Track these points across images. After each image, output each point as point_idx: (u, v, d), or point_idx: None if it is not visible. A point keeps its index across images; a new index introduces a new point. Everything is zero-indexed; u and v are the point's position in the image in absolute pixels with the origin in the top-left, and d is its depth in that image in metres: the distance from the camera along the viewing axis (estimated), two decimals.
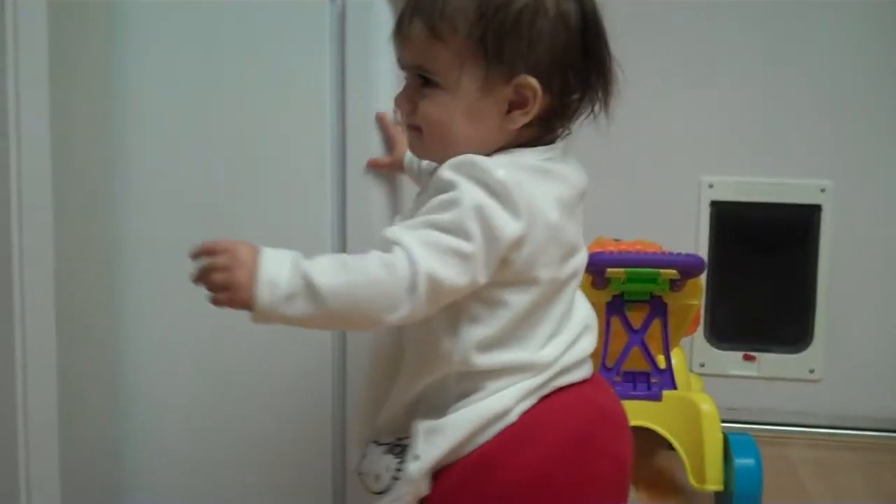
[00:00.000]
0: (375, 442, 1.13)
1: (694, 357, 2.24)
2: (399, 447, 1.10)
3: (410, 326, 1.08)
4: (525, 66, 1.07)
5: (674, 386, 1.77)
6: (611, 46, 1.15)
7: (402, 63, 1.12)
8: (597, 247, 1.91)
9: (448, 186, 1.02)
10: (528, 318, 1.08)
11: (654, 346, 1.77)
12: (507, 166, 1.04)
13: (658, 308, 1.77)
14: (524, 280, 1.06)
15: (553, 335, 1.10)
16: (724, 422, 1.74)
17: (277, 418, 1.44)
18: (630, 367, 1.77)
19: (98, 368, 1.41)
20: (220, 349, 1.43)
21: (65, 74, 1.26)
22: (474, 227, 1.00)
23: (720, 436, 1.71)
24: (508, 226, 1.01)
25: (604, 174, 2.25)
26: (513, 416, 1.07)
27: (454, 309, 1.06)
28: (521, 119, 1.08)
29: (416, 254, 0.99)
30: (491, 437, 1.06)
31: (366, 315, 1.00)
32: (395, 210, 1.41)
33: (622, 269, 1.72)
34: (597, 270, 1.73)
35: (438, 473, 1.07)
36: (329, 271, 0.98)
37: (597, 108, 1.16)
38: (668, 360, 1.78)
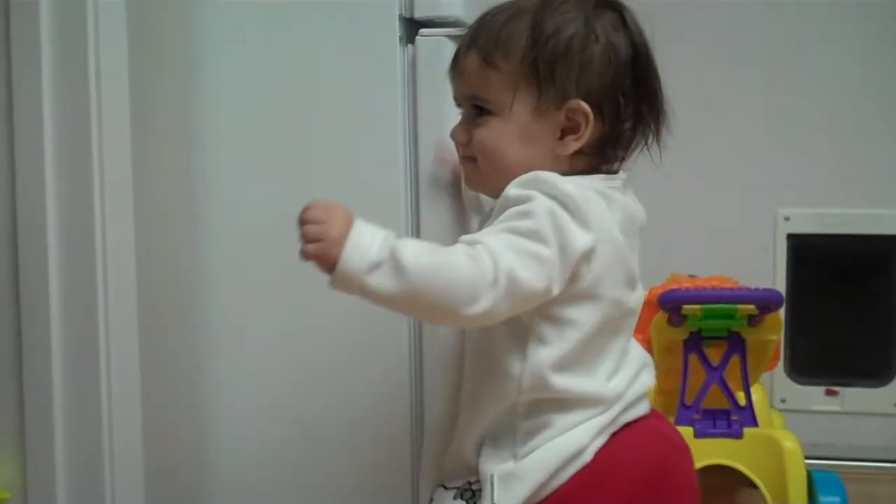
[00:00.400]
0: (443, 486, 1.13)
1: (774, 393, 2.20)
2: (469, 492, 1.09)
3: (475, 354, 1.08)
4: (577, 91, 1.09)
5: (755, 423, 1.74)
6: (660, 80, 1.17)
7: (458, 96, 1.15)
8: (672, 284, 1.89)
9: (519, 200, 1.04)
10: (594, 344, 1.08)
11: (734, 382, 1.75)
12: (573, 183, 1.05)
13: (736, 344, 1.74)
14: (590, 296, 1.06)
15: (617, 369, 1.10)
16: (806, 458, 1.71)
17: (355, 440, 1.45)
18: (709, 405, 1.74)
19: (180, 387, 1.43)
20: (299, 377, 1.44)
21: (146, 115, 1.30)
22: (550, 234, 1.01)
23: (804, 473, 1.68)
24: (579, 236, 1.02)
25: (678, 209, 2.26)
26: (587, 456, 1.06)
27: (521, 330, 1.06)
28: (573, 144, 1.10)
29: (497, 252, 0.99)
30: (567, 479, 1.06)
31: (446, 302, 0.98)
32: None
33: (699, 306, 1.70)
34: (673, 307, 1.71)
35: None
36: (417, 251, 0.98)
37: (650, 140, 1.18)
38: (748, 396, 1.75)
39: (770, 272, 2.21)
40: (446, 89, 1.39)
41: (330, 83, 1.42)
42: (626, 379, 1.11)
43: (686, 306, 1.70)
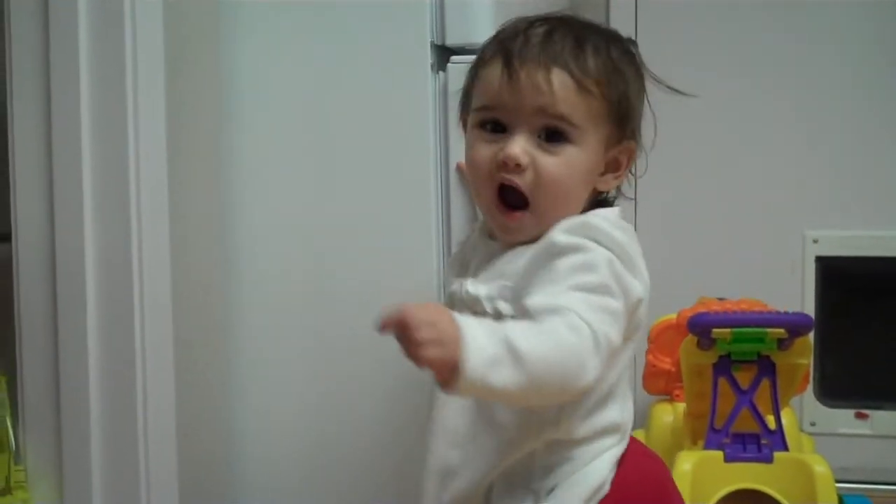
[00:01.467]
0: None
1: (804, 416, 2.19)
2: None
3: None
4: (631, 132, 1.11)
5: (785, 447, 1.73)
6: None
7: (528, 111, 1.05)
8: (700, 307, 1.89)
9: (573, 249, 1.01)
10: (622, 376, 1.10)
11: (763, 406, 1.74)
12: (619, 228, 1.05)
13: (766, 368, 1.74)
14: (630, 339, 1.07)
15: (628, 395, 1.12)
16: (837, 482, 1.70)
17: (378, 450, 1.46)
18: (739, 429, 1.74)
19: (213, 413, 1.44)
20: (325, 389, 1.46)
21: (181, 146, 1.31)
22: (615, 287, 1.00)
23: (835, 497, 1.66)
24: (635, 285, 1.03)
25: (706, 231, 2.25)
26: (608, 487, 1.07)
27: None
28: (613, 182, 1.11)
29: (588, 317, 0.95)
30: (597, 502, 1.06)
31: (561, 380, 0.94)
32: None
33: (728, 329, 1.70)
34: (702, 331, 1.71)
35: None
36: (527, 335, 0.93)
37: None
38: (778, 420, 1.74)
39: (799, 294, 2.20)
40: None
41: (363, 108, 1.44)
42: (630, 404, 1.12)
43: (716, 330, 1.70)
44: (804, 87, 2.20)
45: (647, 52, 2.21)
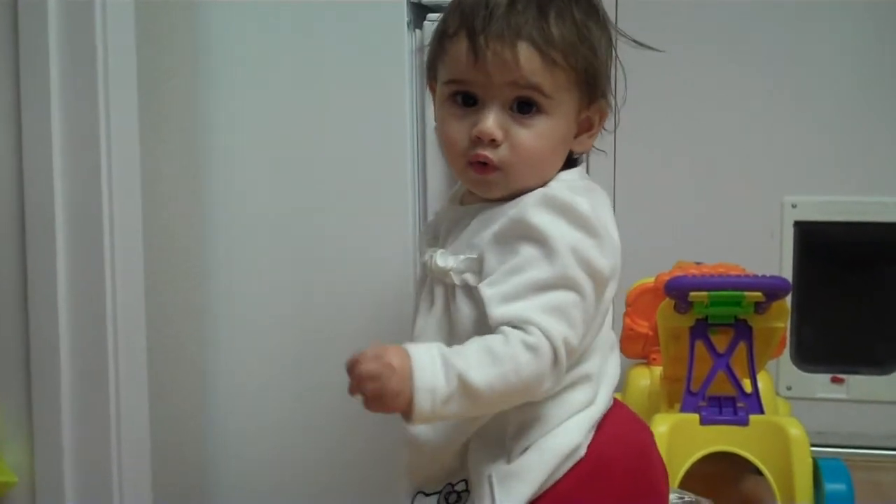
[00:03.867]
0: (422, 493, 1.11)
1: (780, 380, 2.20)
2: (454, 494, 1.08)
3: None
4: (601, 92, 1.11)
5: (761, 410, 1.74)
6: None
7: (499, 84, 1.06)
8: (678, 270, 1.89)
9: (537, 236, 1.01)
10: (600, 334, 1.10)
11: (740, 370, 1.75)
12: (579, 193, 1.05)
13: (743, 331, 1.74)
14: (602, 305, 1.08)
15: (608, 350, 1.11)
16: (812, 446, 1.71)
17: (363, 437, 1.45)
18: (715, 392, 1.74)
19: (187, 373, 1.43)
20: (306, 363, 1.45)
21: (154, 114, 1.30)
22: (579, 273, 1.00)
23: (810, 461, 1.68)
24: (604, 265, 1.03)
25: (684, 196, 2.25)
26: (583, 451, 1.06)
27: None
28: (588, 142, 1.12)
29: (548, 327, 0.98)
30: (563, 475, 1.05)
31: (520, 397, 1.01)
32: None
33: (705, 293, 1.70)
34: (679, 294, 1.71)
35: None
36: (480, 366, 0.97)
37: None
38: (754, 384, 1.75)
39: (776, 259, 2.20)
40: None
41: (339, 69, 1.43)
42: (616, 363, 1.13)
43: (693, 293, 1.70)
44: (782, 53, 2.19)
45: (628, 19, 2.22)
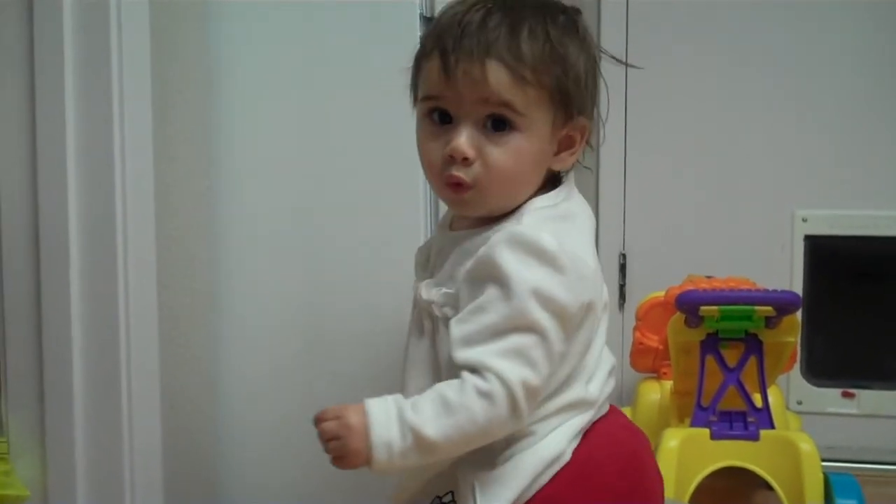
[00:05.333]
0: None
1: (791, 395, 2.19)
2: None
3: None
4: (577, 109, 1.09)
5: (771, 425, 1.73)
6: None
7: (470, 102, 1.06)
8: (689, 284, 1.89)
9: (498, 273, 1.01)
10: (582, 354, 1.09)
11: (750, 384, 1.74)
12: (544, 228, 1.03)
13: (753, 346, 1.74)
14: (582, 324, 1.07)
15: (595, 369, 1.11)
16: (823, 461, 1.70)
17: None
18: (726, 407, 1.74)
19: (198, 389, 1.44)
20: (316, 366, 1.45)
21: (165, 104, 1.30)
22: (539, 314, 1.00)
23: (821, 476, 1.67)
24: (567, 300, 1.02)
25: (695, 209, 2.25)
26: (567, 456, 1.06)
27: None
28: (569, 159, 1.09)
29: (505, 373, 0.99)
30: (548, 480, 1.05)
31: (477, 442, 1.02)
32: None
33: (716, 307, 1.70)
34: (690, 308, 1.71)
35: None
36: (435, 419, 0.99)
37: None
38: (764, 398, 1.75)
39: (787, 273, 2.20)
40: None
41: (352, 81, 1.43)
42: (601, 379, 1.12)
43: (703, 307, 1.70)
44: (794, 66, 2.20)
45: (640, 29, 2.22)
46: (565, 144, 1.09)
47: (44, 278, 1.21)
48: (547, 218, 1.06)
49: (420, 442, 0.99)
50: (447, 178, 1.07)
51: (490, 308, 1.01)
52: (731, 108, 2.23)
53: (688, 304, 1.70)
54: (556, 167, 1.10)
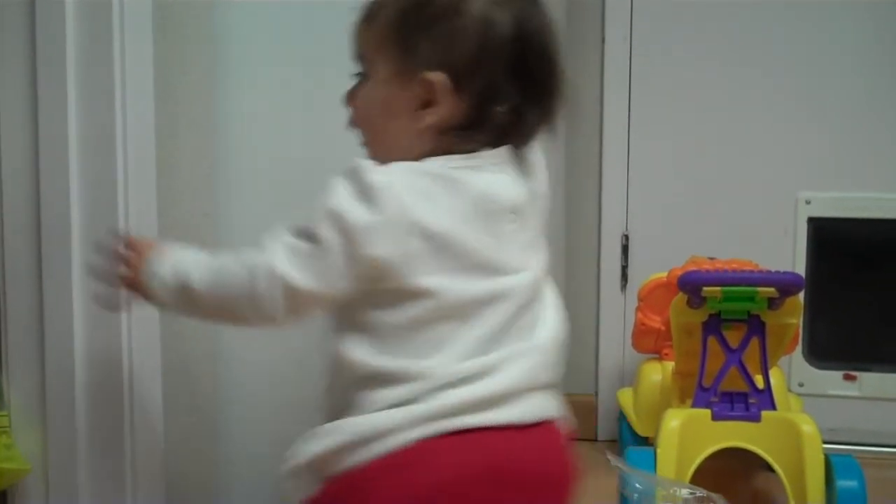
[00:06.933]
0: None
1: (792, 377, 2.19)
2: None
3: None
4: (438, 64, 1.02)
5: (773, 406, 1.73)
6: (558, 67, 1.07)
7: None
8: (691, 265, 1.89)
9: (324, 191, 1.01)
10: (424, 333, 1.01)
11: (752, 365, 1.74)
12: (392, 172, 1.00)
13: (756, 327, 1.74)
14: (407, 289, 1.00)
15: (465, 358, 1.01)
16: (824, 443, 1.70)
17: None
18: (727, 388, 1.74)
19: (200, 361, 1.43)
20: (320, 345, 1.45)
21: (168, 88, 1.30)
22: (328, 233, 0.98)
23: (822, 457, 1.67)
24: (362, 221, 0.98)
25: (698, 191, 2.25)
26: (389, 444, 0.98)
27: (343, 316, 1.03)
28: (427, 118, 1.02)
29: (275, 260, 1.00)
30: (364, 461, 0.99)
31: (225, 314, 1.06)
32: None
33: (719, 288, 1.70)
34: (692, 289, 1.70)
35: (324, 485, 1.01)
36: (205, 270, 1.05)
37: (543, 125, 1.08)
38: (766, 379, 1.75)
39: (790, 256, 2.20)
40: None
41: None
42: (474, 374, 1.00)
43: (706, 288, 1.70)
44: (796, 49, 2.19)
45: (644, 12, 2.22)
46: (428, 103, 1.03)
47: (45, 252, 1.20)
48: (410, 170, 1.01)
49: (183, 285, 1.04)
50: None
51: (305, 214, 1.03)
52: (734, 89, 2.23)
53: (690, 285, 1.70)
54: (416, 125, 1.03)
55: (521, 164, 1.08)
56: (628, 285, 2.28)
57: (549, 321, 1.09)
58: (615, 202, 2.29)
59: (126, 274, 1.09)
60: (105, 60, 1.18)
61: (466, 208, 1.02)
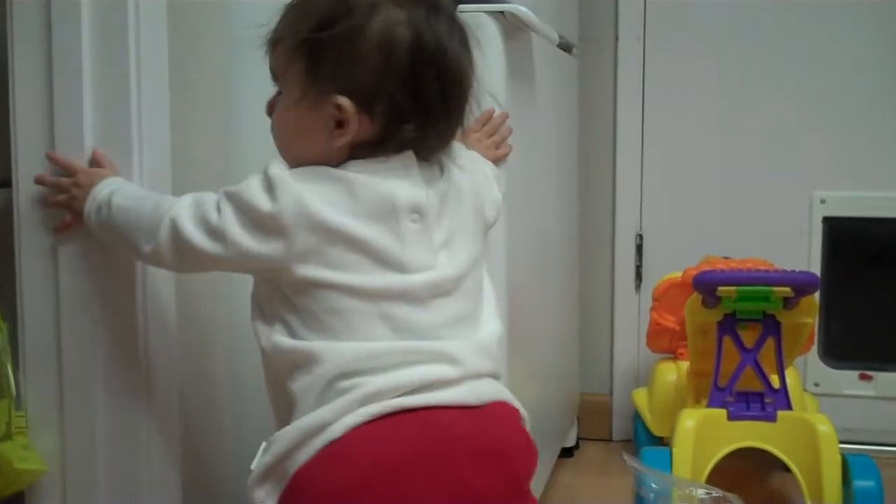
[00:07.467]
0: None
1: (808, 376, 2.19)
2: None
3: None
4: (344, 87, 1.04)
5: (789, 406, 1.73)
6: (464, 78, 1.08)
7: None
8: (706, 265, 1.89)
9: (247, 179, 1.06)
10: (337, 319, 1.03)
11: (768, 365, 1.74)
12: (297, 171, 1.04)
13: (771, 327, 1.73)
14: (309, 280, 1.02)
15: (379, 351, 1.02)
16: (840, 443, 1.70)
17: None
18: (743, 388, 1.74)
19: (217, 369, 1.44)
20: None
21: (186, 81, 1.30)
22: (227, 208, 1.04)
23: (838, 457, 1.67)
24: (261, 206, 1.02)
25: (712, 190, 2.25)
26: (334, 433, 0.99)
27: (266, 307, 1.06)
28: (340, 139, 1.05)
29: (179, 207, 1.07)
30: (312, 455, 0.99)
31: (126, 237, 1.11)
32: None
33: (733, 288, 1.69)
34: (707, 289, 1.70)
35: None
36: (130, 197, 1.12)
37: (452, 135, 1.10)
38: (782, 379, 1.75)
39: (805, 255, 2.20)
40: (484, 66, 1.40)
41: None
42: (396, 361, 1.02)
43: (721, 288, 1.70)
44: (812, 47, 2.19)
45: (658, 9, 2.22)
46: (341, 124, 1.05)
47: (61, 253, 1.21)
48: (310, 171, 1.05)
49: (107, 208, 1.12)
50: None
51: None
52: (749, 88, 2.22)
53: (705, 285, 1.70)
54: (332, 144, 1.05)
55: (431, 166, 1.09)
56: (643, 285, 2.28)
57: (483, 317, 1.11)
58: (629, 201, 2.29)
59: (73, 196, 1.17)
60: (120, 61, 1.19)
61: (365, 208, 1.04)
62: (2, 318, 1.22)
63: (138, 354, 1.19)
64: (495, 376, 1.08)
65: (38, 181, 1.20)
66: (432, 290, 1.05)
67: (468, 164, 1.14)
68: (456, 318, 1.07)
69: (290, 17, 1.07)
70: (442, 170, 1.10)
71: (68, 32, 1.18)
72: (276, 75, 1.09)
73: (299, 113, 1.06)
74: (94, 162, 1.18)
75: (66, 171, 1.18)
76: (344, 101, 1.03)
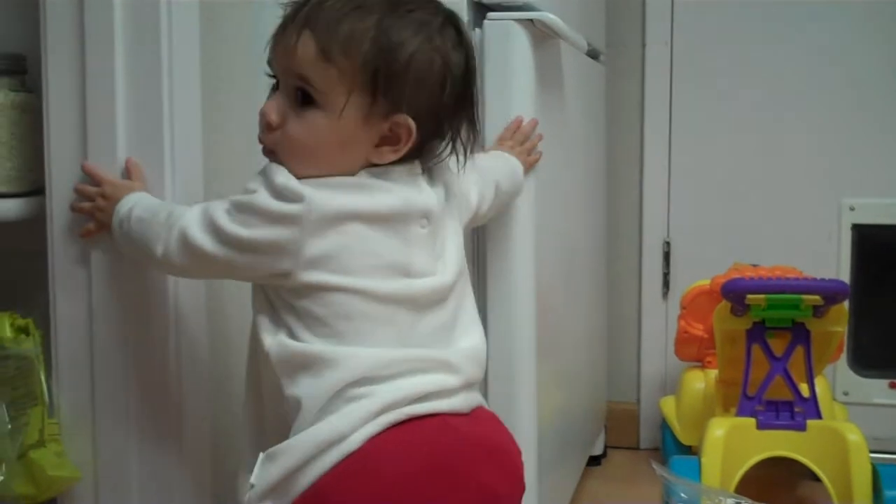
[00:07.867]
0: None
1: (837, 385, 2.18)
2: None
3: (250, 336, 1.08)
4: (407, 107, 1.04)
5: (818, 415, 1.72)
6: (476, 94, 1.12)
7: (279, 69, 1.07)
8: (734, 273, 1.88)
9: (249, 187, 1.05)
10: (344, 323, 1.03)
11: (797, 374, 1.73)
12: (301, 180, 1.03)
13: (801, 335, 1.73)
14: (318, 284, 1.02)
15: (392, 358, 1.03)
16: (870, 452, 1.69)
17: None
18: (772, 396, 1.73)
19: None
20: None
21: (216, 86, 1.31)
22: (237, 214, 1.04)
23: (869, 467, 1.66)
24: (272, 207, 1.01)
25: (741, 198, 2.24)
26: (352, 444, 0.99)
27: (268, 311, 1.05)
28: (389, 156, 1.05)
29: (190, 214, 1.07)
30: (329, 467, 0.98)
31: (140, 249, 1.11)
32: None
33: (763, 296, 1.69)
34: (736, 297, 1.70)
35: None
36: (146, 209, 1.12)
37: (461, 150, 1.11)
38: (812, 388, 1.74)
39: (834, 262, 2.19)
40: (513, 73, 1.40)
41: None
42: (404, 369, 1.03)
43: (750, 296, 1.69)
44: (842, 53, 2.18)
45: (686, 15, 2.21)
46: (390, 140, 1.06)
47: (93, 261, 1.21)
48: (323, 182, 1.04)
49: (127, 221, 1.12)
50: (259, 140, 1.09)
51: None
52: (777, 95, 2.21)
53: (734, 293, 1.70)
54: (374, 159, 1.06)
55: (430, 173, 1.11)
56: (670, 293, 2.27)
57: (466, 325, 1.11)
58: (656, 209, 2.29)
59: (98, 206, 1.18)
60: (153, 69, 1.19)
61: (379, 212, 1.05)
62: (35, 326, 1.23)
63: (170, 361, 1.19)
64: (476, 384, 1.10)
65: (77, 191, 1.20)
66: (432, 296, 1.07)
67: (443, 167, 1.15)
68: (444, 326, 1.08)
69: (346, 31, 1.03)
70: (432, 175, 1.12)
71: (101, 41, 1.19)
72: (317, 86, 1.04)
73: (349, 130, 1.04)
74: (127, 171, 1.18)
75: (95, 181, 1.18)
76: (411, 122, 1.04)
